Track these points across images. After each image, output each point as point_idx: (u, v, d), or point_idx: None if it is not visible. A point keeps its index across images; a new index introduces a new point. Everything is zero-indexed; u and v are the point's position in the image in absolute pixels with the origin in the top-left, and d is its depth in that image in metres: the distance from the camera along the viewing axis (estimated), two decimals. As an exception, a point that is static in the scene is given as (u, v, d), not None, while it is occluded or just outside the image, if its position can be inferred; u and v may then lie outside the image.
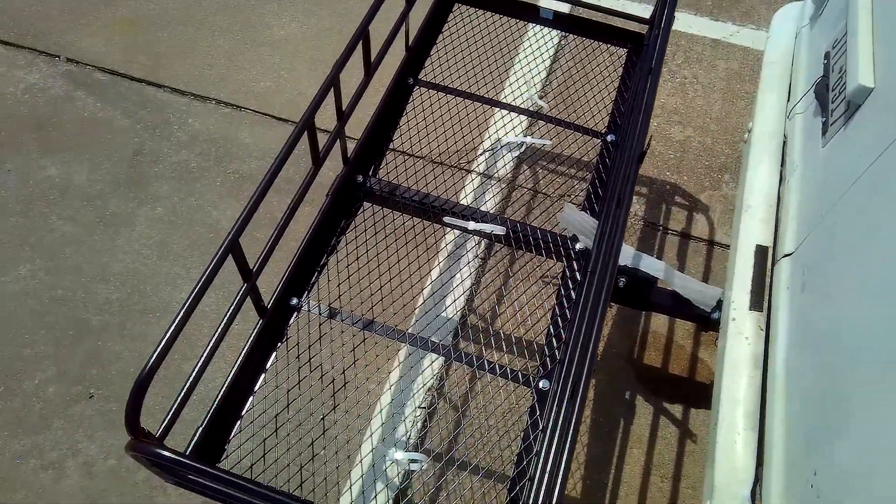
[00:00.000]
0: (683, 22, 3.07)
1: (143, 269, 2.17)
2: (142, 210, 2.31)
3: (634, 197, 2.44)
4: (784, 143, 1.68)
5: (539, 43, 2.50)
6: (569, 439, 1.00)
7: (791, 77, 1.79)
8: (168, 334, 1.00)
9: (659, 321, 2.13)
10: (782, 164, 1.64)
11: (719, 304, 1.73)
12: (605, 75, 2.05)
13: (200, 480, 0.99)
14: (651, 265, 1.67)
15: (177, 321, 1.01)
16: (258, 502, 0.95)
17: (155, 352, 0.98)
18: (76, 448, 1.81)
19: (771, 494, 1.15)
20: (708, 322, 1.73)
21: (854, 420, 0.96)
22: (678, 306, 1.73)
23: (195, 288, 1.04)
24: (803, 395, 1.15)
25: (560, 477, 0.96)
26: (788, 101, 1.75)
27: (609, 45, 2.07)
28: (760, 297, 1.47)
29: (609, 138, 1.85)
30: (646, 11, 1.99)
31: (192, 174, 2.41)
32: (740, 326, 1.43)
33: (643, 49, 2.00)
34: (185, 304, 1.02)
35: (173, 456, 0.95)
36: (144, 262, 2.18)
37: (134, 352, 1.99)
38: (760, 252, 1.53)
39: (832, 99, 1.41)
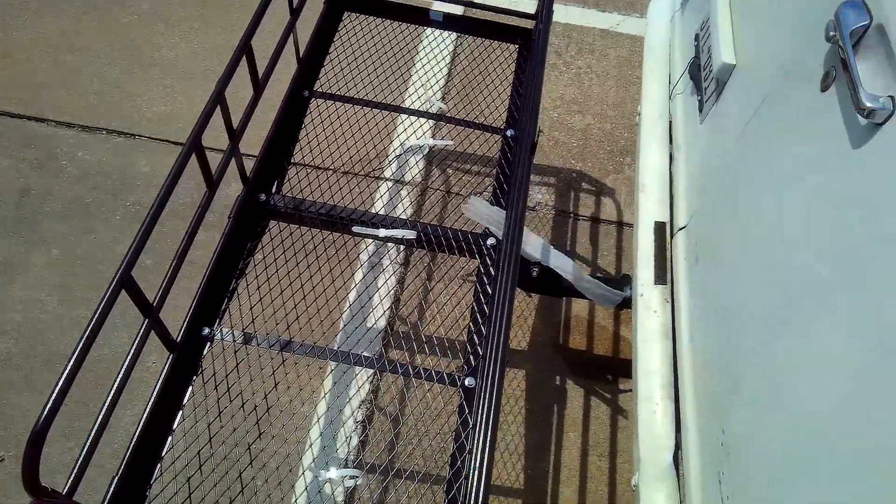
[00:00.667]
0: (574, 14, 3.19)
1: (45, 317, 2.03)
2: (36, 254, 2.17)
3: (545, 188, 2.51)
4: (669, 123, 1.77)
5: (434, 45, 2.53)
6: (489, 433, 1.02)
7: (670, 60, 1.89)
8: (62, 381, 0.94)
9: (580, 305, 2.20)
10: (670, 142, 1.74)
11: (628, 283, 1.81)
12: (500, 72, 2.10)
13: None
14: (560, 264, 1.72)
15: (69, 366, 0.96)
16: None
17: (48, 400, 0.93)
18: (-15, 518, 1.68)
19: (689, 457, 1.21)
20: (622, 301, 1.80)
21: (746, 379, 1.03)
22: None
23: (86, 329, 0.99)
24: (707, 362, 1.22)
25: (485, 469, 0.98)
26: (669, 83, 1.85)
27: (501, 43, 2.12)
28: (663, 270, 1.54)
29: (509, 133, 1.89)
30: (533, 6, 2.05)
31: (89, 210, 2.29)
32: (648, 301, 1.50)
33: (532, 43, 2.06)
34: (76, 347, 0.97)
35: (79, 511, 0.90)
36: (45, 310, 2.05)
37: (42, 405, 1.87)
38: (659, 228, 1.61)
39: (704, 77, 1.50)
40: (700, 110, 1.50)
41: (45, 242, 2.20)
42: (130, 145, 2.48)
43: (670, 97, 1.80)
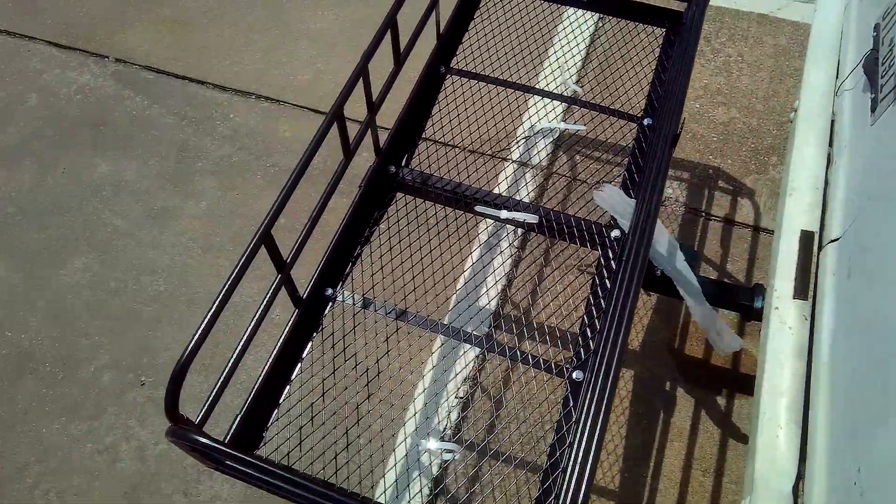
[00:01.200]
0: (728, -3, 2.96)
1: (190, 262, 2.24)
2: (187, 205, 2.39)
3: (676, 182, 2.38)
4: (832, 122, 1.60)
5: (575, 26, 2.45)
6: (597, 431, 0.99)
7: (839, 52, 1.70)
8: (203, 325, 1.03)
9: (701, 309, 2.07)
10: (830, 144, 1.57)
11: (761, 294, 1.67)
12: (642, 57, 1.99)
13: (237, 467, 1.02)
14: (686, 279, 1.61)
15: (211, 312, 1.04)
16: (292, 489, 0.98)
17: (191, 341, 1.02)
18: (129, 433, 1.90)
19: (813, 491, 1.11)
20: (750, 312, 1.68)
21: (900, 413, 0.92)
22: (720, 295, 1.69)
23: (228, 279, 1.07)
24: (849, 388, 1.11)
25: (588, 466, 0.96)
26: (837, 77, 1.66)
27: (647, 26, 2.01)
28: (805, 284, 1.41)
29: (646, 122, 1.80)
30: (684, -10, 1.92)
31: (234, 169, 2.48)
32: (783, 315, 1.38)
33: (681, 27, 1.94)
34: (218, 295, 1.06)
35: (210, 443, 0.98)
36: (190, 255, 2.26)
37: (181, 342, 2.07)
38: (806, 237, 1.47)
39: (882, 74, 1.33)
40: (873, 110, 1.33)
41: (196, 195, 2.41)
42: (275, 110, 2.65)
43: (836, 93, 1.62)
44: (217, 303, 1.05)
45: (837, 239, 1.34)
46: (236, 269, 1.08)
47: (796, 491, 1.19)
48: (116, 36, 2.92)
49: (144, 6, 3.05)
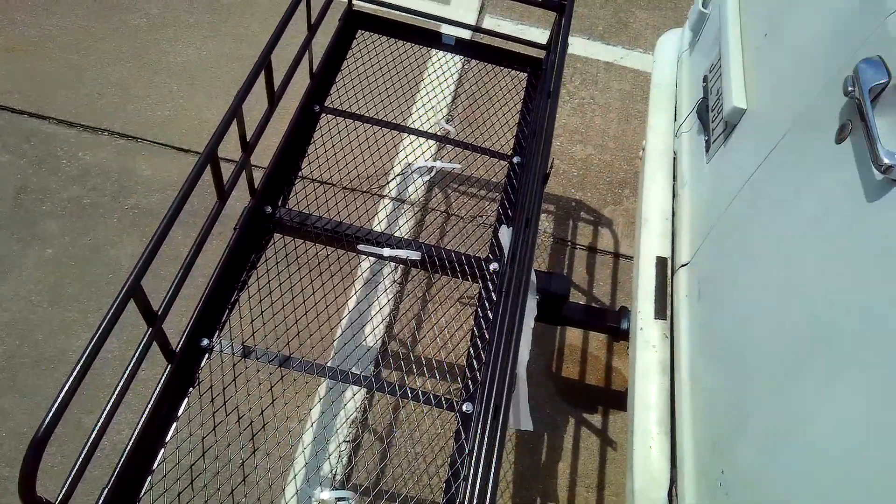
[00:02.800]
0: (578, 46, 3.25)
1: (33, 317, 2.00)
2: (29, 252, 2.13)
3: (543, 214, 2.53)
4: (674, 159, 1.80)
5: (443, 67, 2.56)
6: (493, 461, 1.01)
7: (676, 98, 1.93)
8: (66, 387, 0.93)
9: (574, 334, 2.21)
10: (674, 179, 1.76)
11: (626, 316, 1.82)
12: (507, 98, 2.12)
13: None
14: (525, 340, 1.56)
15: (75, 372, 0.94)
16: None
17: (52, 407, 0.91)
18: (-40, 522, 1.63)
19: (685, 495, 1.21)
20: (618, 333, 1.81)
21: (752, 419, 1.04)
22: (589, 319, 1.81)
23: (94, 335, 0.97)
24: (708, 398, 1.23)
25: (487, 499, 0.97)
26: (675, 120, 1.88)
27: (510, 70, 2.15)
28: (663, 305, 1.56)
29: (515, 160, 1.91)
30: (543, 36, 2.09)
31: (86, 211, 2.26)
32: (647, 335, 1.51)
33: (542, 73, 2.10)
34: (83, 352, 0.96)
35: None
36: (34, 310, 2.01)
37: (26, 409, 1.83)
38: (660, 263, 1.63)
39: (712, 119, 1.53)
40: (707, 150, 1.52)
41: (40, 241, 2.17)
42: (132, 148, 2.47)
43: (676, 134, 1.83)
44: (82, 361, 0.95)
45: (686, 264, 1.50)
46: (103, 324, 0.99)
47: (671, 496, 1.29)
48: (-65, 65, 2.58)
49: (-30, 32, 2.73)
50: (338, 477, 1.76)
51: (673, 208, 1.70)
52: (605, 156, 2.79)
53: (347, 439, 1.85)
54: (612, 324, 1.80)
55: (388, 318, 2.11)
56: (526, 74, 2.15)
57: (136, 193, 2.34)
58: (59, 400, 0.91)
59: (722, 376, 1.17)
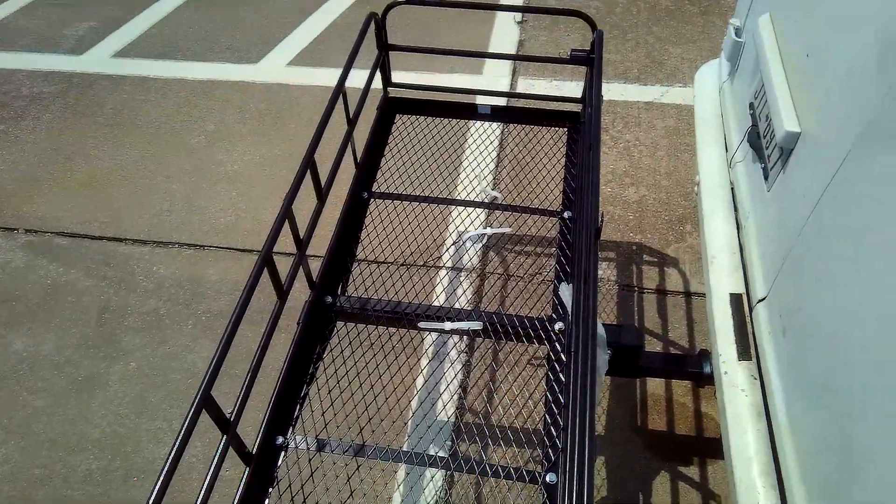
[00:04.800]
0: (616, 91, 3.25)
1: (122, 431, 2.08)
2: (114, 368, 2.25)
3: (605, 263, 2.47)
4: (731, 190, 1.73)
5: (483, 136, 2.60)
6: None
7: (724, 128, 1.87)
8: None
9: (654, 383, 2.09)
10: (735, 210, 1.69)
11: (707, 359, 1.71)
12: (550, 156, 2.13)
13: None
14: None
15: (157, 489, 0.96)
16: None
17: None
18: None
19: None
20: (701, 378, 1.70)
21: (867, 462, 0.93)
22: (669, 367, 1.71)
23: (171, 450, 0.99)
24: (814, 442, 1.12)
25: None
26: (727, 151, 1.82)
27: (549, 127, 2.16)
28: (746, 345, 1.46)
29: (566, 215, 1.89)
30: (578, 89, 2.10)
31: (163, 321, 2.38)
32: (733, 379, 1.41)
33: (581, 125, 2.10)
34: (163, 468, 0.97)
35: None
36: (122, 423, 2.10)
37: (121, 522, 1.87)
38: (735, 300, 1.53)
39: (766, 145, 1.47)
40: (766, 178, 1.46)
41: (124, 356, 2.28)
42: (200, 256, 2.60)
43: (730, 165, 1.76)
44: (163, 477, 0.96)
45: (764, 298, 1.41)
46: (179, 438, 1.01)
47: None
48: (25, 206, 2.84)
49: (55, 170, 3.01)
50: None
51: (739, 241, 1.62)
52: (659, 195, 2.72)
53: (434, 524, 1.79)
54: (694, 369, 1.70)
55: (458, 392, 2.08)
56: (566, 129, 2.15)
57: (207, 298, 2.44)
58: (143, 519, 0.93)
59: (823, 418, 1.07)
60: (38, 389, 2.20)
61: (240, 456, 1.27)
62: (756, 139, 1.54)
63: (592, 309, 1.24)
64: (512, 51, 3.47)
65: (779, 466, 1.24)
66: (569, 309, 1.58)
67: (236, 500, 1.25)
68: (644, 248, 2.52)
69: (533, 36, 3.65)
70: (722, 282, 1.57)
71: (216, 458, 1.15)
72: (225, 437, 1.18)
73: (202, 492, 1.10)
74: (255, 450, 1.32)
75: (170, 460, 0.99)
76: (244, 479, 1.28)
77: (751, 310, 1.48)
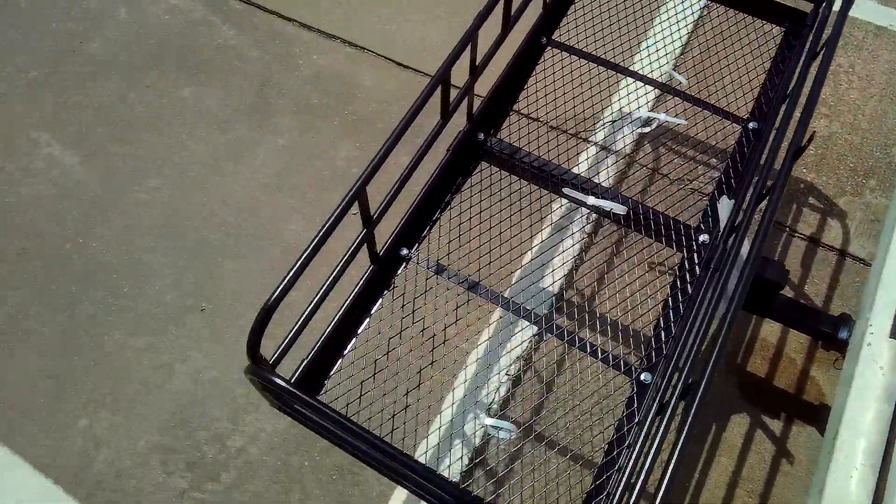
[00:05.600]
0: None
1: (261, 197, 2.26)
2: (265, 139, 2.39)
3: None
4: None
5: (683, 12, 2.32)
6: (681, 443, 0.95)
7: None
8: (292, 271, 1.03)
9: (771, 328, 1.99)
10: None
11: (847, 325, 1.59)
12: (752, 55, 1.88)
13: (303, 410, 1.03)
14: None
15: (305, 255, 1.04)
16: (352, 440, 0.98)
17: (279, 287, 1.02)
18: (186, 355, 1.95)
19: (885, 538, 1.06)
20: (833, 341, 1.60)
21: None
22: (802, 318, 1.61)
23: (323, 227, 1.07)
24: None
25: (668, 478, 0.93)
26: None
27: (762, 22, 1.89)
28: (905, 324, 1.33)
29: (751, 126, 1.71)
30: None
31: (314, 111, 2.46)
32: (876, 353, 1.31)
33: (803, 29, 1.81)
34: (313, 241, 1.05)
35: (286, 386, 0.99)
36: (262, 190, 2.27)
37: (244, 274, 2.10)
38: (913, 275, 1.38)
39: None
40: None
41: (275, 132, 2.41)
42: (359, 58, 2.61)
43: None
44: (313, 245, 1.05)
45: (952, 282, 1.25)
46: (330, 220, 1.07)
47: (861, 536, 1.15)
48: (212, -40, 2.90)
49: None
50: (497, 407, 1.81)
51: (944, 213, 1.42)
52: (854, 137, 2.40)
53: (513, 374, 1.88)
54: (827, 329, 1.59)
55: (574, 267, 2.07)
56: (782, 31, 1.87)
57: (357, 101, 2.48)
58: (284, 283, 1.02)
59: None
60: (198, 138, 2.40)
61: (370, 253, 1.35)
62: None
63: (764, 232, 1.14)
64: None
65: (888, 452, 1.18)
66: (722, 224, 1.48)
67: (354, 291, 1.35)
68: (813, 190, 2.28)
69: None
70: (904, 251, 1.41)
71: (352, 247, 1.23)
72: (365, 231, 1.24)
73: (335, 270, 1.19)
74: (381, 253, 1.39)
75: (322, 232, 1.06)
76: (366, 275, 1.37)
77: (927, 290, 1.33)
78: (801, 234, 2.18)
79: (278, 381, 1.00)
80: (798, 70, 1.54)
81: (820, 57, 1.40)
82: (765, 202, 1.21)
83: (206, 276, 2.10)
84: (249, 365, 1.01)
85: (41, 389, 1.89)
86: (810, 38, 1.61)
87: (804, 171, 2.32)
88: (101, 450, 1.81)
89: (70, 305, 2.03)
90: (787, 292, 2.07)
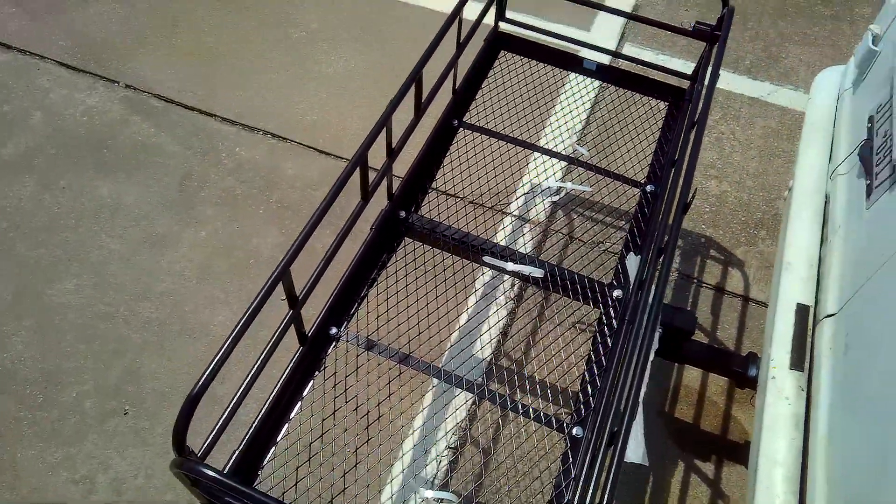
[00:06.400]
0: (722, 79, 3.11)
1: (184, 291, 2.22)
2: (186, 232, 2.38)
3: (669, 248, 2.44)
4: (826, 202, 1.68)
5: (580, 92, 2.56)
6: (608, 489, 0.99)
7: (833, 138, 1.80)
8: (221, 352, 1.03)
9: (692, 374, 2.10)
10: (824, 223, 1.64)
11: (755, 362, 1.71)
12: (644, 127, 2.08)
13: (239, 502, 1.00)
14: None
15: (230, 340, 1.04)
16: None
17: (206, 371, 1.01)
18: (107, 463, 1.83)
19: (810, 561, 1.12)
20: (744, 379, 1.71)
21: (902, 488, 0.94)
22: (713, 360, 1.72)
23: (248, 310, 1.08)
24: (849, 460, 1.13)
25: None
26: (830, 161, 1.76)
27: (649, 98, 2.11)
28: (801, 356, 1.45)
29: (648, 188, 1.87)
30: (686, 67, 2.03)
31: (237, 200, 2.49)
32: (780, 386, 1.41)
33: (684, 103, 2.04)
34: (237, 326, 1.06)
35: (217, 476, 0.96)
36: (185, 284, 2.24)
37: (169, 371, 2.03)
38: (801, 311, 1.52)
39: (876, 162, 1.42)
40: (868, 195, 1.41)
41: (196, 224, 2.41)
42: (282, 148, 2.68)
43: (830, 176, 1.71)
44: (235, 333, 1.05)
45: (833, 314, 1.39)
46: (255, 302, 1.08)
47: (791, 563, 1.20)
48: (129, 62, 2.96)
49: (162, 34, 3.10)
50: (438, 479, 1.79)
51: (820, 254, 1.59)
52: (741, 194, 2.65)
53: (451, 445, 1.88)
54: (738, 369, 1.70)
55: (501, 332, 2.13)
56: (666, 105, 2.10)
57: (280, 189, 2.54)
58: (212, 366, 1.02)
59: (869, 438, 1.07)
60: (116, 235, 2.36)
61: (298, 335, 1.36)
62: (868, 154, 1.48)
63: (663, 283, 1.25)
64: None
65: (804, 477, 1.26)
66: (632, 279, 1.59)
67: (285, 374, 1.34)
68: (712, 243, 2.48)
69: (650, 3, 3.50)
70: (792, 290, 1.55)
71: (279, 329, 1.24)
72: (290, 312, 1.26)
73: (262, 355, 1.19)
74: (310, 333, 1.40)
75: (244, 318, 1.07)
76: (296, 357, 1.37)
77: (815, 323, 1.47)
78: (708, 283, 2.35)
79: (208, 471, 0.97)
80: (682, 138, 1.73)
81: (695, 127, 1.58)
82: (663, 256, 1.32)
83: (128, 378, 2.01)
84: (176, 458, 0.98)
85: (-60, 520, 1.72)
86: (689, 110, 1.81)
87: (703, 226, 2.53)
88: (10, 581, 1.65)
89: (-25, 422, 1.89)
90: (702, 338, 2.20)
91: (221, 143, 2.68)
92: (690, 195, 1.37)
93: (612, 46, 3.20)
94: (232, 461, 1.22)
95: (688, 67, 2.05)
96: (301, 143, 2.71)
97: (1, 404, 1.93)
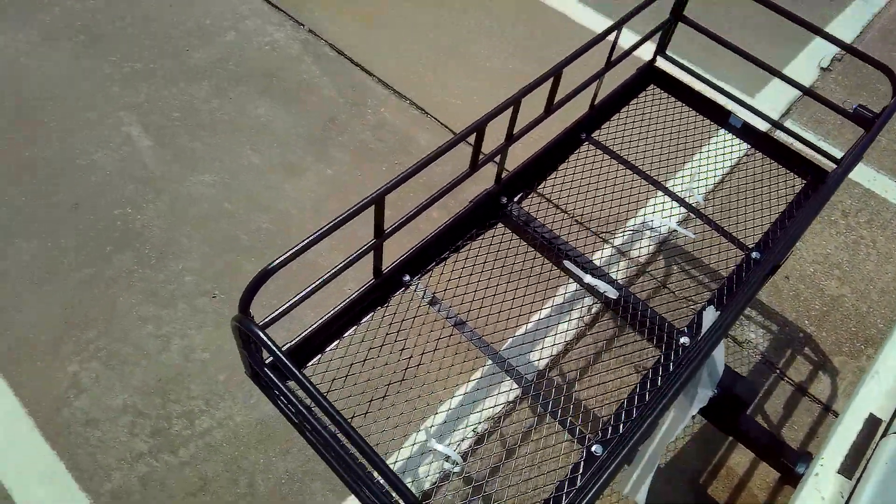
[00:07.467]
0: (880, 184, 2.91)
1: (296, 214, 2.44)
2: (316, 167, 2.61)
3: (762, 330, 2.33)
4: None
5: (718, 147, 2.51)
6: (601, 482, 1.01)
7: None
8: (305, 242, 1.16)
9: (741, 458, 2.00)
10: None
11: (807, 461, 1.61)
12: (775, 196, 2.01)
13: (276, 382, 1.12)
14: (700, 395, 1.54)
15: (315, 235, 1.17)
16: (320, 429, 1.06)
17: (289, 251, 1.15)
18: (185, 332, 2.07)
19: None
20: (790, 474, 1.62)
21: None
22: (764, 443, 1.64)
23: (337, 218, 1.20)
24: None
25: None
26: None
27: (787, 171, 2.04)
28: (854, 464, 1.37)
29: (754, 255, 1.82)
30: (837, 150, 1.95)
31: (367, 154, 2.69)
32: (821, 484, 1.34)
33: (822, 185, 1.95)
34: (324, 227, 1.18)
35: (263, 337, 1.09)
36: (300, 209, 2.46)
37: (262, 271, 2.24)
38: (872, 421, 1.43)
39: None
40: None
41: (327, 162, 2.63)
42: (420, 120, 2.86)
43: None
44: (323, 231, 1.18)
45: (903, 431, 1.30)
46: (347, 213, 1.21)
47: None
48: (317, 12, 3.27)
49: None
50: (458, 447, 1.85)
51: (915, 374, 1.48)
52: (861, 304, 2.47)
53: (476, 426, 1.93)
54: (788, 462, 1.61)
55: (563, 342, 2.14)
56: (804, 182, 2.02)
57: (408, 154, 2.70)
58: (296, 249, 1.15)
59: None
60: (258, 151, 2.63)
61: (374, 266, 1.48)
62: None
63: (724, 328, 1.23)
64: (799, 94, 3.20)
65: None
66: (703, 331, 1.56)
67: (352, 295, 1.46)
68: (811, 342, 2.33)
69: (829, 89, 3.33)
70: (870, 398, 1.46)
71: (360, 250, 1.35)
72: (375, 241, 1.38)
73: (340, 265, 1.32)
74: (386, 270, 1.52)
75: (332, 224, 1.20)
76: (366, 285, 1.49)
77: (882, 437, 1.37)
78: (791, 379, 2.22)
79: (259, 332, 1.10)
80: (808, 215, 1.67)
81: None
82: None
83: (227, 270, 2.25)
84: (238, 315, 1.12)
85: (48, 329, 2.02)
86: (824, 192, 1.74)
87: (807, 322, 2.38)
88: (80, 397, 1.91)
89: (100, 262, 2.20)
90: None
91: (371, 99, 2.90)
92: (783, 258, 1.34)
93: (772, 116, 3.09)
94: (287, 348, 1.36)
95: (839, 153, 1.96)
96: (440, 121, 2.86)
97: (123, 255, 2.23)
